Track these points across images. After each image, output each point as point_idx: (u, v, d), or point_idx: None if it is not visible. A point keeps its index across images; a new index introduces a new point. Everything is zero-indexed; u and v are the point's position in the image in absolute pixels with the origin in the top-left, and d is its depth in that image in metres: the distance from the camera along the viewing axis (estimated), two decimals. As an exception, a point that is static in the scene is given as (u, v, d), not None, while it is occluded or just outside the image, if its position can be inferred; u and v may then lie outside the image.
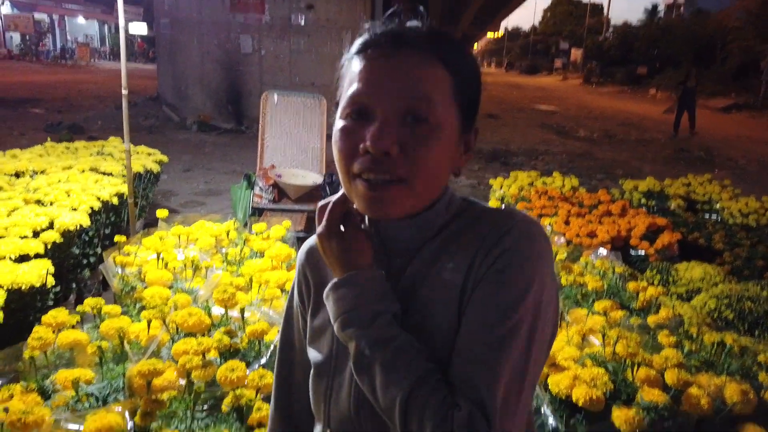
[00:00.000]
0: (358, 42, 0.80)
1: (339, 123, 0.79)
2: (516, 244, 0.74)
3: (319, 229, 0.83)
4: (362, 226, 0.86)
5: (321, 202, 0.85)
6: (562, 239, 3.52)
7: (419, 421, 0.70)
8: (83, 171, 4.20)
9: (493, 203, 4.55)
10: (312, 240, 0.94)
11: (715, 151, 11.56)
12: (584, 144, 11.86)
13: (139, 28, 5.32)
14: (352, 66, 0.78)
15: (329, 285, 0.80)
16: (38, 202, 3.46)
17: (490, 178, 5.83)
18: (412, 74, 0.74)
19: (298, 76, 11.74)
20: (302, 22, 11.65)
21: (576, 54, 49.81)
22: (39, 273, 2.58)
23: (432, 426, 0.69)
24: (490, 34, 63.24)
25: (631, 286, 2.48)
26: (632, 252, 3.84)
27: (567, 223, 3.98)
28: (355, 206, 0.83)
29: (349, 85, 0.77)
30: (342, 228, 0.82)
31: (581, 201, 4.59)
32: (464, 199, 0.87)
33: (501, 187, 5.08)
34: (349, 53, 0.80)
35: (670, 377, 1.67)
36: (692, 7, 38.06)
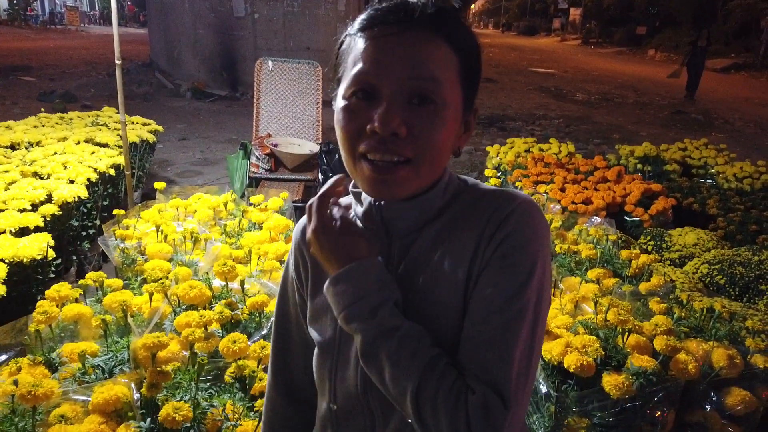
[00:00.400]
0: (362, 18, 0.77)
1: (342, 102, 0.78)
2: (518, 227, 0.76)
3: (311, 226, 0.82)
4: (362, 207, 0.86)
5: (311, 200, 0.84)
6: (558, 206, 3.55)
7: (433, 409, 0.71)
8: (78, 142, 4.19)
9: (489, 172, 4.56)
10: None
11: (713, 113, 11.51)
12: (582, 107, 11.79)
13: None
14: (357, 43, 0.76)
15: (328, 280, 0.80)
16: (35, 174, 3.46)
17: (487, 144, 5.82)
18: (419, 54, 0.73)
19: (293, 40, 11.55)
20: (296, -16, 11.41)
21: (575, 13, 48.85)
22: (39, 246, 2.60)
23: (446, 411, 0.70)
24: (487, -6, 61.96)
25: (624, 254, 2.52)
26: (627, 218, 3.88)
27: (563, 190, 4.01)
28: (351, 186, 0.84)
29: (354, 64, 0.76)
30: (336, 219, 0.81)
31: (577, 167, 4.60)
32: (461, 178, 0.87)
33: (497, 154, 5.09)
34: (353, 28, 0.78)
35: (659, 344, 1.72)
36: (694, -36, 37.22)
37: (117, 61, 3.55)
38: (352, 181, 0.84)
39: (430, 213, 0.83)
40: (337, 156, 4.67)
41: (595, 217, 2.99)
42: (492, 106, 10.99)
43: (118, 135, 4.54)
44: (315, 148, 4.81)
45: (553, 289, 2.33)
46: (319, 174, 4.74)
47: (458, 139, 0.82)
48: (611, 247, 2.66)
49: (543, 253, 0.77)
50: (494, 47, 31.25)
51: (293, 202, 3.62)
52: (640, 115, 11.21)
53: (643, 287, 2.23)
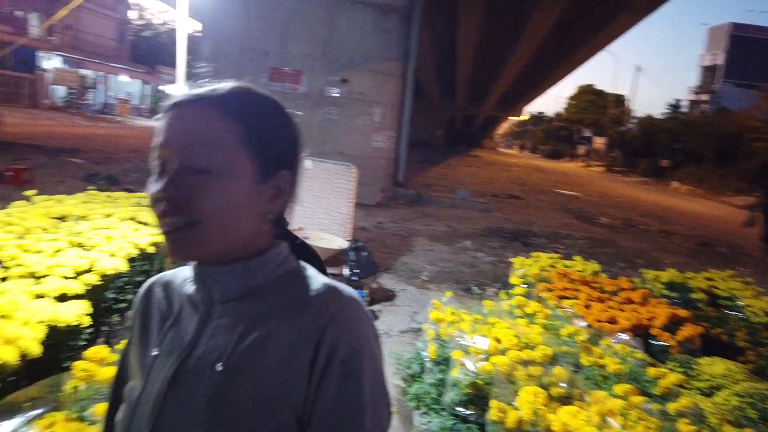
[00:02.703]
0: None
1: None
2: (352, 328, 0.79)
3: None
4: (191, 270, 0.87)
5: None
6: (583, 323, 3.54)
7: None
8: (123, 219, 4.39)
9: (514, 280, 4.61)
10: (165, 274, 0.95)
11: (738, 249, 11.52)
12: (606, 231, 11.91)
13: (178, 89, 5.73)
14: (159, 123, 0.82)
15: None
16: (80, 245, 3.62)
17: (510, 256, 5.90)
18: (194, 126, 0.78)
19: (328, 144, 12.16)
20: (336, 95, 12.22)
21: (599, 142, 50.69)
22: (77, 313, 2.69)
23: None
24: (512, 118, 65.05)
25: (652, 371, 2.50)
26: (653, 342, 3.83)
27: (587, 307, 4.01)
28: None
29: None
30: None
31: (602, 287, 4.61)
32: (300, 261, 0.89)
33: (522, 266, 5.15)
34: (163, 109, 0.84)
35: (691, 464, 1.68)
36: (716, 105, 38.87)
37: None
38: None
39: (253, 282, 0.83)
40: (366, 254, 4.78)
41: (621, 334, 2.98)
42: (517, 222, 11.19)
43: (159, 216, 4.74)
44: (344, 244, 4.94)
45: (579, 401, 2.31)
46: (346, 269, 4.84)
47: (265, 203, 0.82)
48: (637, 365, 2.64)
49: (370, 345, 0.81)
50: (519, 167, 32.22)
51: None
52: (664, 243, 11.26)
53: (671, 407, 2.20)
